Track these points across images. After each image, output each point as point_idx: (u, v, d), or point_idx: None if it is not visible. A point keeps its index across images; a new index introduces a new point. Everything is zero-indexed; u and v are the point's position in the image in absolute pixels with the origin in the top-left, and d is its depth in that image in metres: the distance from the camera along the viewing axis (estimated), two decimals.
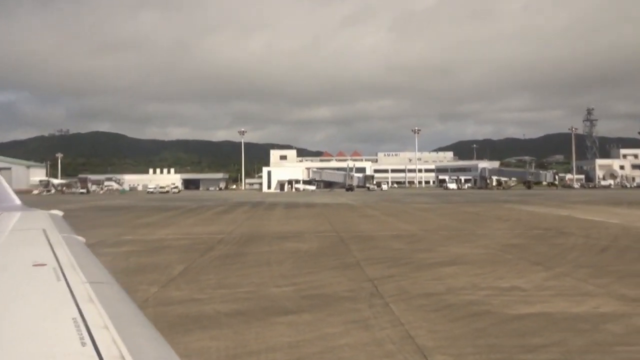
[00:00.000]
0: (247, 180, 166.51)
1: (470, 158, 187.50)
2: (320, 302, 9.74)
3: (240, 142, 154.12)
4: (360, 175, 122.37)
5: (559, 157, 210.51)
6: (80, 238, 3.55)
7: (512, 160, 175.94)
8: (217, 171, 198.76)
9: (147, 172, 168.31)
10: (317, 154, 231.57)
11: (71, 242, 3.18)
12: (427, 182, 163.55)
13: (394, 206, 44.90)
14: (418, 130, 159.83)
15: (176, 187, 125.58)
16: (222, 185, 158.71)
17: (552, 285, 10.90)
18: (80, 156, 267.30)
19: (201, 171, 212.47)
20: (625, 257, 14.67)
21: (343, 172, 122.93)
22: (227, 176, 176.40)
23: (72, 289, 1.97)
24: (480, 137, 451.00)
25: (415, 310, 9.02)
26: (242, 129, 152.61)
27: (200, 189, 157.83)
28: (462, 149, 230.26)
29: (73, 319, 1.63)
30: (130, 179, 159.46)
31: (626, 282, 11.17)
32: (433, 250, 16.64)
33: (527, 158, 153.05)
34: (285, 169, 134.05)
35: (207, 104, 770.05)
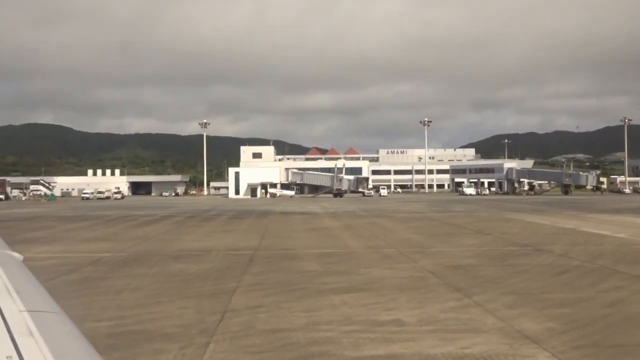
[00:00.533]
0: (214, 184, 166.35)
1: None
2: (125, 341, 9.51)
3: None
4: (352, 177, 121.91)
5: (621, 155, 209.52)
6: (17, 255, 3.49)
7: (561, 158, 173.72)
8: (184, 172, 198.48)
9: (86, 174, 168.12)
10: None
11: (5, 260, 3.15)
12: (441, 186, 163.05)
13: (366, 216, 44.95)
14: (428, 122, 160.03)
15: (119, 193, 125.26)
16: (180, 190, 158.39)
17: (444, 318, 10.72)
18: (11, 154, 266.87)
19: (164, 172, 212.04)
20: (578, 282, 14.58)
21: (331, 174, 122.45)
22: (187, 179, 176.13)
23: (7, 320, 1.97)
24: (522, 131, 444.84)
25: (234, 352, 8.82)
26: (205, 121, 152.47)
27: (153, 194, 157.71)
28: (497, 145, 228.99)
29: (7, 358, 1.61)
30: (65, 183, 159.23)
31: (542, 313, 11.04)
32: (350, 272, 16.50)
33: (580, 156, 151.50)
34: (258, 169, 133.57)
35: (176, 89, 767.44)
